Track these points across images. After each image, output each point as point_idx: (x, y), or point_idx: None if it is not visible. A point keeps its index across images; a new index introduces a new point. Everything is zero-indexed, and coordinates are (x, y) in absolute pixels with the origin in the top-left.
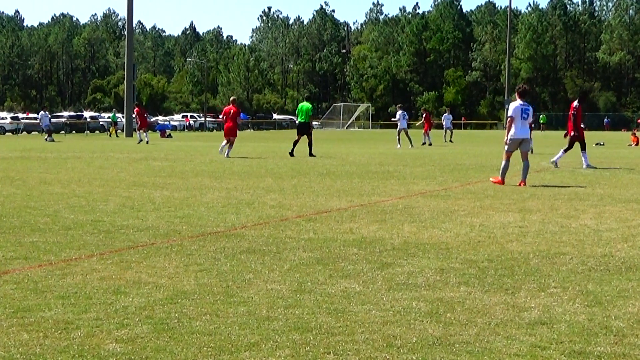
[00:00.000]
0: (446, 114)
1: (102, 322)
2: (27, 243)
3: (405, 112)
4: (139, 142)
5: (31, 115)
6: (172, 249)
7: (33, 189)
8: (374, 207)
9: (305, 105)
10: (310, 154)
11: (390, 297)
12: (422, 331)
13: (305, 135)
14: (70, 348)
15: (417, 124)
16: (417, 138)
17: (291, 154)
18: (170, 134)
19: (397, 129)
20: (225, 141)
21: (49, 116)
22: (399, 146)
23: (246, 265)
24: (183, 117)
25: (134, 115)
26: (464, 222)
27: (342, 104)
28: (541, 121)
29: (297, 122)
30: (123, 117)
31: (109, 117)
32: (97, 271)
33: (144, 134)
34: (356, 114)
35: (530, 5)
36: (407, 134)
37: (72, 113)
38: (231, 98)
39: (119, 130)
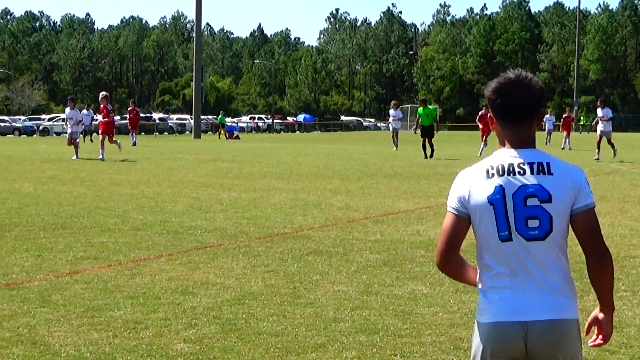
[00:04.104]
0: (547, 115)
1: (170, 322)
2: (96, 243)
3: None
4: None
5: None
6: (240, 250)
7: (103, 190)
8: (441, 209)
9: (432, 108)
10: (432, 155)
11: (458, 300)
12: None
13: (427, 138)
14: (139, 347)
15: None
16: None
17: (425, 157)
18: (238, 136)
19: (392, 129)
20: None
21: (92, 116)
22: (395, 148)
23: (313, 266)
24: (250, 118)
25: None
26: None
27: (409, 105)
28: (582, 122)
29: (421, 125)
30: (228, 119)
31: (177, 119)
32: (166, 271)
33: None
34: None
35: (599, 5)
36: (397, 135)
37: (142, 115)
38: None
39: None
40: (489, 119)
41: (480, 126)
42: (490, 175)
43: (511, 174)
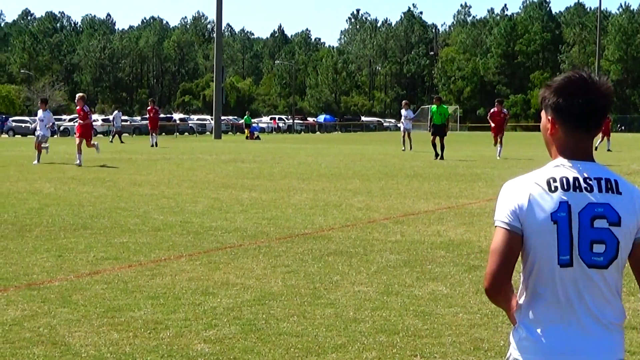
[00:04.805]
0: None
1: (190, 323)
2: (117, 244)
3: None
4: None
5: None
6: (260, 251)
7: (123, 190)
8: (461, 210)
9: (446, 107)
10: (442, 156)
11: (478, 300)
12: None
13: (439, 137)
14: (159, 348)
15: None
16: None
17: (437, 155)
18: (258, 136)
19: (403, 130)
20: None
21: (121, 117)
22: (404, 148)
23: (333, 267)
24: (271, 119)
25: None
26: None
27: (429, 106)
28: None
29: (432, 124)
30: (254, 120)
31: (198, 120)
32: (186, 272)
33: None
34: None
35: (620, 6)
36: (409, 136)
37: (162, 115)
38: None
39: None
40: (550, 122)
41: (492, 125)
42: (553, 188)
43: (577, 190)
